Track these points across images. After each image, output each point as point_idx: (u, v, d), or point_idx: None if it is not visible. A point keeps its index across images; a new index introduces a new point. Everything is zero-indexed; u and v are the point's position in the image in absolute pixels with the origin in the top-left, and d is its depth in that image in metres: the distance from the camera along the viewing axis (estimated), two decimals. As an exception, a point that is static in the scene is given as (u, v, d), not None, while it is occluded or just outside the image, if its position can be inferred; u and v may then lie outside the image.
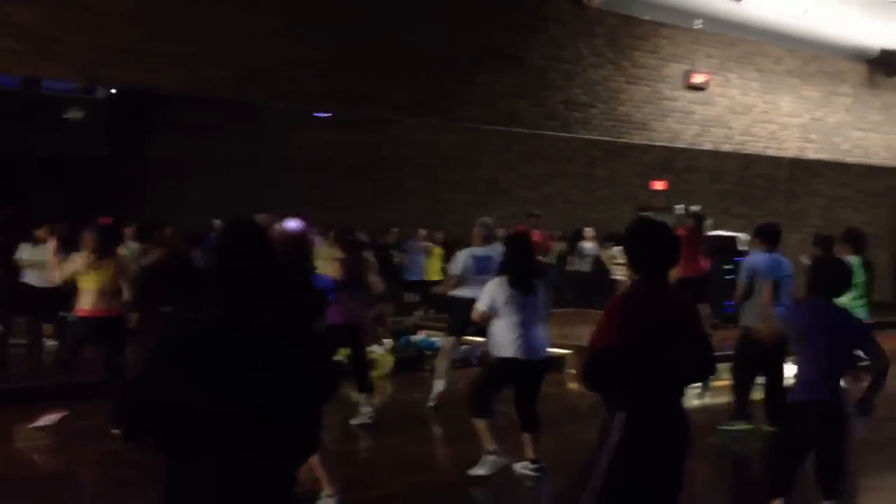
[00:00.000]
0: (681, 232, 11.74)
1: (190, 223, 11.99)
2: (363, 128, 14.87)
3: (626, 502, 3.66)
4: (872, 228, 19.11)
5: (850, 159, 14.93)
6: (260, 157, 14.61)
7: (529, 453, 6.12)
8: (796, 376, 4.76)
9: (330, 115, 14.08)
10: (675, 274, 11.24)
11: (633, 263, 3.80)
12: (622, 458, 3.65)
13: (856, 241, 8.69)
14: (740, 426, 7.58)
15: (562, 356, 10.35)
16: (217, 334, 2.42)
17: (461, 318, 7.50)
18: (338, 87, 9.74)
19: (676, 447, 3.71)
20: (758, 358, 7.33)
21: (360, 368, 7.59)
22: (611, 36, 11.71)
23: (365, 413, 7.53)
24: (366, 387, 7.61)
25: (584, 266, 16.61)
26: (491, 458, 6.11)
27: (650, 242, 3.74)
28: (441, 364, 8.65)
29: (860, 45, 14.26)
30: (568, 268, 16.35)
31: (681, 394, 3.77)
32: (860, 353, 10.70)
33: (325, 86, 9.67)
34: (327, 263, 7.58)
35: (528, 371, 6.09)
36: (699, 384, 9.72)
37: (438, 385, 8.49)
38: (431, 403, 8.43)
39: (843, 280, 4.85)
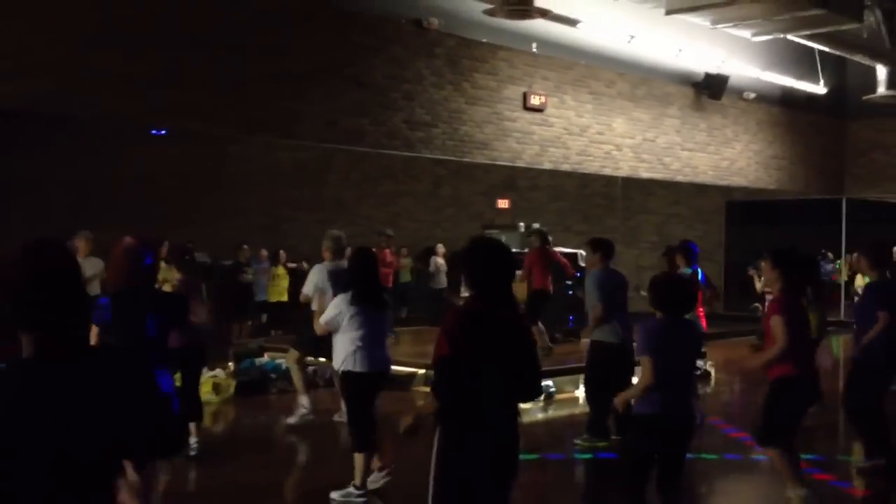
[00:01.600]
0: (532, 251, 12.13)
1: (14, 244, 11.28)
2: (202, 145, 14.50)
3: None
4: (703, 244, 20.14)
5: (680, 178, 15.66)
6: (92, 175, 13.98)
7: (374, 465, 6.13)
8: (647, 389, 4.91)
9: (165, 131, 13.62)
10: (523, 289, 11.60)
11: (469, 281, 3.85)
12: (444, 472, 3.67)
13: (688, 253, 9.12)
14: (596, 441, 7.73)
15: (411, 373, 10.38)
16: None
17: (312, 334, 7.33)
18: (172, 102, 9.42)
19: (501, 465, 3.74)
20: (608, 372, 7.51)
21: (191, 394, 7.35)
22: (450, 57, 11.88)
23: (191, 444, 7.25)
24: (195, 415, 7.35)
25: (438, 283, 16.78)
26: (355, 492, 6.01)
27: (486, 261, 3.80)
28: (296, 379, 8.62)
29: (686, 69, 15.04)
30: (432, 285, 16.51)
31: (510, 412, 3.81)
32: (699, 363, 11.19)
33: (159, 101, 9.32)
34: (165, 285, 7.32)
35: (366, 383, 6.07)
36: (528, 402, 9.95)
37: (303, 400, 8.49)
38: (293, 421, 8.48)
39: (689, 297, 5.06)
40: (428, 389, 3.92)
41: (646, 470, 4.84)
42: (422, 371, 10.17)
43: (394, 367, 9.83)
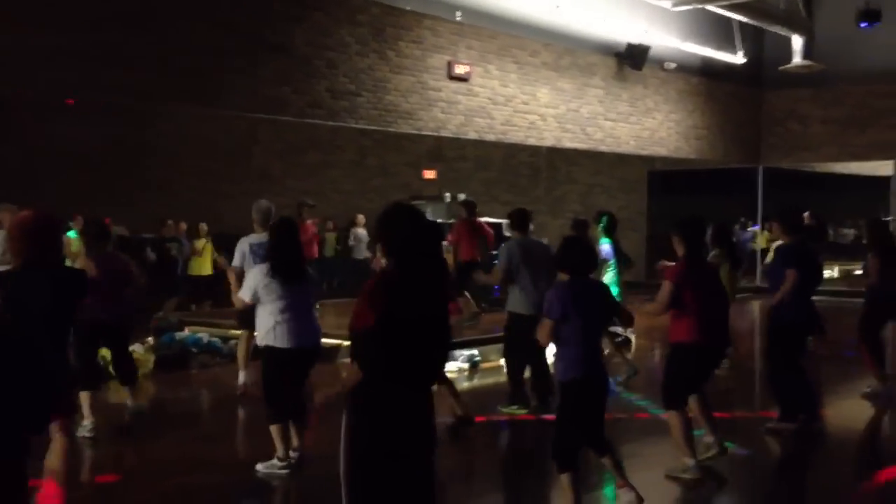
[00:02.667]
0: (459, 222, 12.17)
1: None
2: (124, 118, 14.12)
3: (366, 488, 3.66)
4: (627, 213, 20.52)
5: (603, 148, 15.85)
6: (11, 149, 13.53)
7: (294, 443, 6.07)
8: (561, 355, 4.97)
9: (84, 104, 13.21)
10: (450, 259, 11.64)
11: (386, 248, 3.80)
12: (356, 443, 3.64)
13: (608, 222, 9.23)
14: (517, 409, 7.81)
15: (336, 346, 10.32)
16: None
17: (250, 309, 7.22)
18: (92, 75, 9.13)
19: (420, 433, 3.74)
20: (524, 341, 7.54)
21: (124, 365, 7.30)
22: (374, 25, 11.76)
23: (133, 407, 7.26)
24: (130, 381, 7.31)
25: (360, 254, 16.73)
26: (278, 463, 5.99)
27: (402, 227, 3.76)
28: (241, 354, 8.55)
29: (609, 39, 15.18)
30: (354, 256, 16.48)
31: (426, 382, 3.82)
32: (619, 329, 11.40)
33: (80, 75, 9.05)
34: (82, 259, 7.13)
35: (293, 359, 5.98)
36: (462, 365, 10.03)
37: (241, 376, 8.45)
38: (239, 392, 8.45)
39: (589, 258, 5.12)
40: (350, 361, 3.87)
41: (576, 434, 4.94)
42: (346, 343, 10.13)
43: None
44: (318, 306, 10.61)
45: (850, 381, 9.40)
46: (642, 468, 6.41)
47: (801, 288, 7.02)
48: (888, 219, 15.95)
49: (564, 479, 4.90)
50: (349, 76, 11.55)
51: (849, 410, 8.54)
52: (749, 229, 20.65)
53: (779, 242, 8.01)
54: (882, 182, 19.25)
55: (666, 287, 5.80)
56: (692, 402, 6.04)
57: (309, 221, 13.84)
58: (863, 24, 14.50)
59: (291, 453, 6.02)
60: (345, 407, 3.71)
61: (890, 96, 17.79)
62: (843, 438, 7.58)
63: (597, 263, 5.23)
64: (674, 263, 6.11)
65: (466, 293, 11.77)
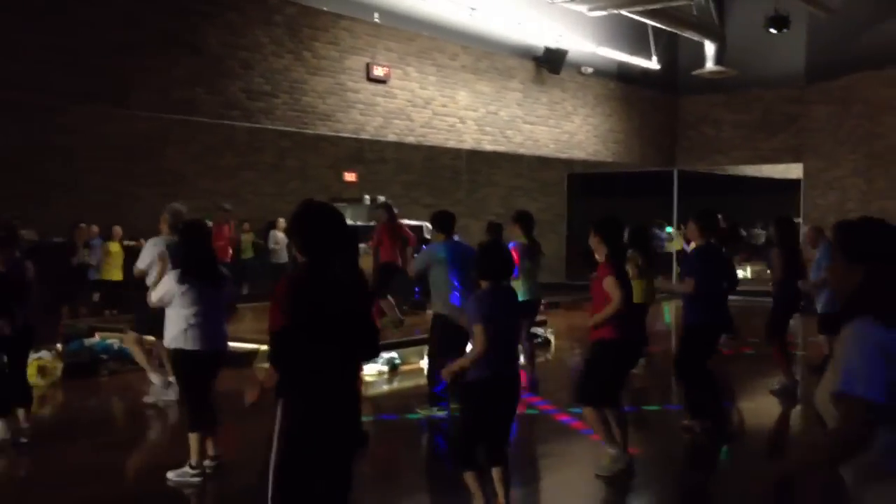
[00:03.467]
0: (380, 224, 12.06)
1: None
2: (28, 117, 13.63)
3: (293, 490, 3.61)
4: (547, 215, 20.73)
5: (522, 151, 15.95)
6: None
7: (210, 451, 5.96)
8: (480, 356, 4.93)
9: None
10: (370, 262, 11.53)
11: (300, 247, 3.73)
12: (286, 446, 3.59)
13: (525, 221, 9.26)
14: (436, 411, 7.78)
15: (253, 350, 10.15)
16: None
17: (149, 313, 7.03)
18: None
19: (343, 434, 3.68)
20: (445, 343, 7.51)
21: (18, 379, 6.96)
22: (290, 25, 11.60)
23: (22, 429, 6.92)
24: (25, 398, 7.00)
25: (279, 258, 16.50)
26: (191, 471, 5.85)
27: (315, 225, 3.69)
28: (140, 360, 8.46)
29: (527, 43, 15.30)
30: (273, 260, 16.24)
31: (350, 378, 3.76)
32: (538, 330, 11.44)
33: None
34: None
35: (203, 362, 5.88)
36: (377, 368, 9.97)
37: (154, 378, 8.33)
38: (149, 399, 8.32)
39: (507, 264, 5.12)
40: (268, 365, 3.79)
41: (478, 433, 4.91)
42: (264, 347, 9.97)
43: (236, 345, 9.69)
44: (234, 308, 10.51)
45: (760, 377, 9.64)
46: (559, 467, 6.47)
47: (712, 289, 7.15)
48: (798, 220, 16.43)
49: (468, 478, 4.86)
50: (265, 77, 11.37)
51: (758, 406, 8.76)
52: (664, 231, 21.03)
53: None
54: (793, 185, 19.80)
55: (612, 282, 5.83)
56: (609, 417, 6.08)
57: (226, 225, 13.62)
58: (771, 30, 14.90)
59: (206, 462, 5.92)
60: (274, 408, 3.64)
61: (798, 101, 18.38)
62: (752, 434, 7.76)
63: (513, 270, 5.23)
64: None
65: (389, 297, 11.70)
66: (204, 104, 10.76)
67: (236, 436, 6.46)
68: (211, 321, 5.90)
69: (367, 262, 11.38)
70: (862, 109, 16.95)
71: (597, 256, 6.05)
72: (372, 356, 3.94)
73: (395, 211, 12.53)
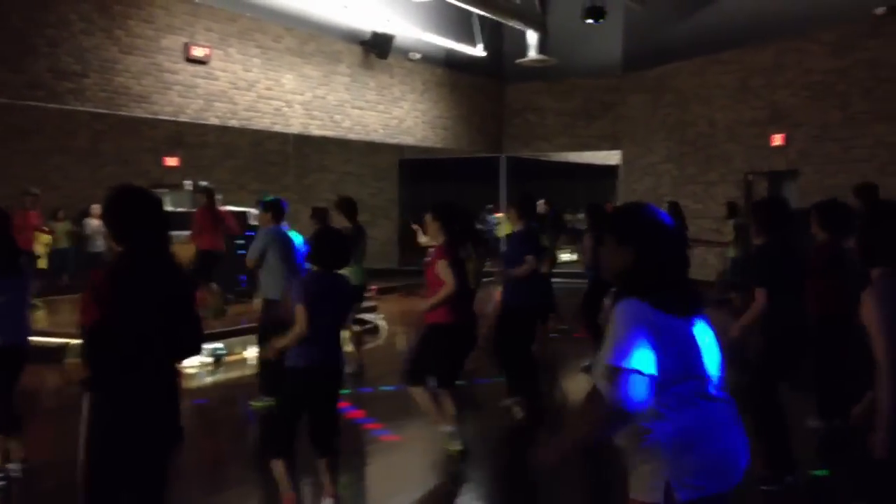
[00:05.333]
0: (199, 209, 11.61)
1: None
2: None
3: (102, 490, 3.41)
4: (379, 201, 20.73)
5: (351, 136, 15.85)
6: None
7: (18, 453, 5.57)
8: (300, 337, 4.81)
9: None
10: (190, 249, 11.11)
11: (115, 236, 3.48)
12: (96, 444, 3.39)
13: (348, 208, 9.15)
14: (270, 401, 7.57)
15: (62, 345, 9.61)
16: None
17: None
18: None
19: (159, 431, 3.50)
20: (276, 330, 7.32)
21: None
22: (100, 2, 11.00)
23: None
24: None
25: (95, 247, 15.69)
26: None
27: (131, 212, 3.47)
28: None
29: (354, 27, 15.19)
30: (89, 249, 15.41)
31: (168, 374, 3.57)
32: (367, 316, 11.37)
33: None
34: None
35: (6, 358, 5.47)
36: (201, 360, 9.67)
37: None
38: None
39: (343, 251, 5.01)
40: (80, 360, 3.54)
41: (295, 422, 4.80)
42: (75, 342, 9.45)
43: (42, 339, 9.13)
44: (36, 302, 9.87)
45: (574, 357, 9.98)
46: (386, 451, 6.46)
47: (532, 271, 7.31)
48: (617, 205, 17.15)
49: (278, 466, 4.76)
50: (73, 56, 10.74)
51: (571, 384, 9.08)
52: (493, 216, 21.48)
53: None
54: (613, 171, 20.66)
55: (444, 267, 5.84)
56: (443, 399, 6.13)
57: (32, 211, 12.77)
58: (588, 21, 15.42)
59: (11, 465, 5.52)
60: (83, 404, 3.43)
61: (615, 90, 19.17)
62: (567, 410, 8.02)
63: (349, 258, 5.12)
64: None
65: (212, 284, 11.34)
66: (7, 84, 10.06)
67: (48, 435, 6.07)
68: (11, 314, 5.49)
69: (187, 250, 10.99)
70: (673, 98, 17.88)
71: (432, 241, 6.06)
72: (194, 352, 3.75)
73: (218, 197, 12.15)
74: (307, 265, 5.17)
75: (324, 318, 4.79)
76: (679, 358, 2.51)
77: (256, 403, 7.66)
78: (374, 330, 12.25)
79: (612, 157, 20.43)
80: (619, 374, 2.44)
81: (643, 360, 2.44)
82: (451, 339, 6.06)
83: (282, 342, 4.88)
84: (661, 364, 2.47)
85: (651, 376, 2.44)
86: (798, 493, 5.33)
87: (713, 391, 2.59)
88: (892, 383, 3.41)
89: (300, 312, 4.73)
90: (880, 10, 13.60)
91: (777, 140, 15.68)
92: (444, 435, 6.10)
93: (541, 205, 13.51)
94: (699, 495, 2.48)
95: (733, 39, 16.28)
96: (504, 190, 20.49)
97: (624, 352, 2.45)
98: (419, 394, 6.04)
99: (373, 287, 13.46)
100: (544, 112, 19.89)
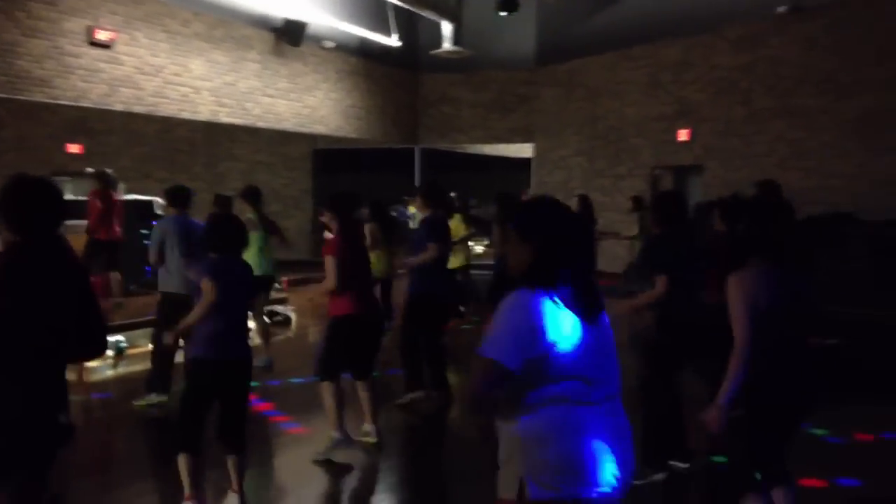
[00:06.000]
0: (94, 195, 11.16)
1: None
2: None
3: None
4: (292, 191, 20.47)
5: (262, 124, 15.60)
6: None
7: None
8: (197, 332, 4.69)
9: None
10: (83, 238, 10.71)
11: (11, 226, 3.31)
12: None
13: (253, 196, 9.00)
14: (158, 398, 7.39)
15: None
16: None
17: None
18: None
19: (49, 430, 3.34)
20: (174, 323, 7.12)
21: None
22: (-2, -19, 10.57)
23: None
24: None
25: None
26: None
27: (28, 202, 3.31)
28: None
29: (265, 13, 14.93)
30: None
31: (60, 372, 3.42)
32: (278, 308, 11.18)
33: None
34: None
35: None
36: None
37: None
38: None
39: (236, 236, 4.88)
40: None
41: (202, 414, 4.68)
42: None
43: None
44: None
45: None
46: (293, 446, 6.38)
47: (439, 261, 7.32)
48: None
49: (181, 461, 4.65)
50: (-32, 36, 10.28)
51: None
52: (407, 208, 21.45)
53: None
54: (526, 163, 20.82)
55: (331, 262, 5.78)
56: (360, 391, 6.09)
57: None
58: (502, 13, 15.49)
59: None
60: None
61: (529, 83, 19.33)
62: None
63: (246, 241, 5.00)
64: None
65: (117, 274, 11.00)
66: None
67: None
68: None
69: (80, 240, 10.59)
70: (585, 93, 18.13)
71: (329, 231, 5.99)
72: (97, 354, 3.58)
73: (120, 184, 11.77)
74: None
75: (229, 303, 4.68)
76: (563, 356, 2.47)
77: (140, 403, 7.40)
78: (286, 322, 12.10)
79: (525, 150, 20.60)
80: (484, 362, 2.43)
81: (512, 352, 2.41)
82: (353, 331, 5.98)
83: (188, 319, 4.72)
84: (540, 361, 2.45)
85: (515, 370, 2.42)
86: (696, 481, 5.46)
87: (595, 395, 2.52)
88: (739, 364, 3.58)
89: (206, 288, 4.62)
90: (782, 9, 14.04)
91: (683, 135, 16.06)
92: (331, 437, 6.02)
93: (452, 198, 13.52)
94: (553, 496, 2.43)
95: (643, 35, 16.59)
96: (419, 181, 20.46)
97: (496, 342, 2.43)
98: (326, 391, 5.96)
99: (284, 279, 13.30)
100: (459, 104, 19.93)
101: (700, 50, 15.75)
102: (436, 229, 7.30)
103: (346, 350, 6.00)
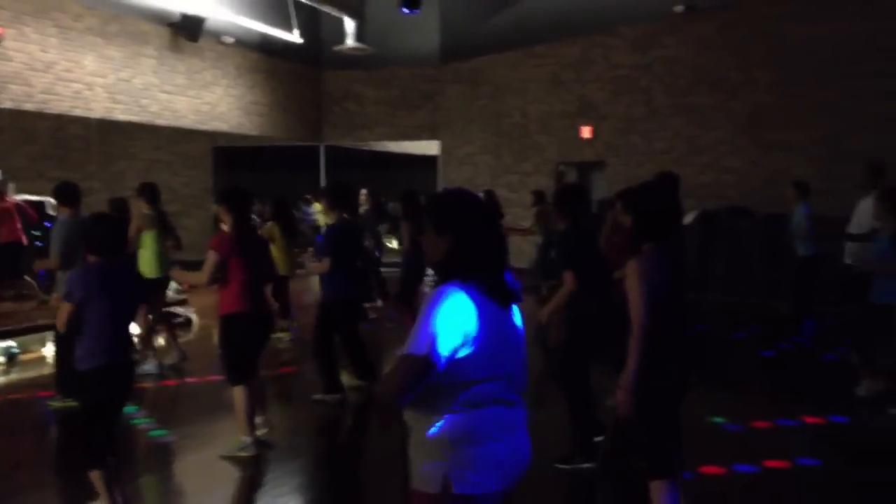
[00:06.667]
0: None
1: None
2: None
3: None
4: (192, 190, 19.97)
5: (160, 122, 15.16)
6: None
7: None
8: (85, 342, 4.48)
9: None
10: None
11: None
12: None
13: (150, 193, 8.72)
14: (66, 402, 7.10)
15: None
16: None
17: None
18: None
19: None
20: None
21: None
22: None
23: None
24: None
25: None
26: None
27: None
28: None
29: (161, 8, 14.51)
30: None
31: None
32: (178, 310, 10.90)
33: None
34: None
35: None
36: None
37: None
38: None
39: (116, 238, 4.68)
40: None
41: (106, 423, 4.52)
42: None
43: None
44: None
45: (399, 343, 9.99)
46: (196, 447, 6.21)
47: (347, 264, 7.20)
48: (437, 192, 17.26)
49: (96, 477, 4.48)
50: None
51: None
52: (310, 206, 21.22)
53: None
54: (433, 160, 20.82)
55: (211, 257, 5.64)
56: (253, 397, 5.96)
57: None
58: (404, 10, 15.43)
59: None
60: None
61: (434, 80, 19.35)
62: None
63: (122, 246, 4.76)
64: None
65: (27, 278, 10.56)
66: None
67: None
68: None
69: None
70: (489, 90, 18.24)
71: (224, 227, 5.84)
72: None
73: (10, 184, 11.30)
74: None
75: (104, 312, 4.49)
76: (489, 354, 2.49)
77: (55, 404, 7.20)
78: (187, 323, 11.80)
79: (432, 147, 20.61)
80: (409, 359, 2.40)
81: (436, 349, 2.39)
82: (244, 329, 5.84)
83: (61, 317, 4.54)
84: (464, 358, 2.45)
85: (439, 367, 2.41)
86: (601, 476, 5.54)
87: (512, 392, 2.59)
88: (640, 347, 3.66)
89: (63, 310, 4.47)
90: (679, 9, 14.39)
91: (586, 132, 16.33)
92: (240, 440, 5.90)
93: (363, 196, 13.46)
94: (478, 491, 2.48)
95: (546, 34, 16.79)
96: (323, 179, 20.25)
97: (420, 339, 2.40)
98: (238, 394, 5.82)
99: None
100: (364, 101, 19.80)
101: (600, 49, 16.02)
102: (336, 238, 7.16)
103: (244, 347, 5.87)
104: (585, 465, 5.50)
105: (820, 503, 5.09)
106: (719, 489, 5.21)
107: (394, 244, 20.93)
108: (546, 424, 6.57)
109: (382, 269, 12.97)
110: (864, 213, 8.17)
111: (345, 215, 7.33)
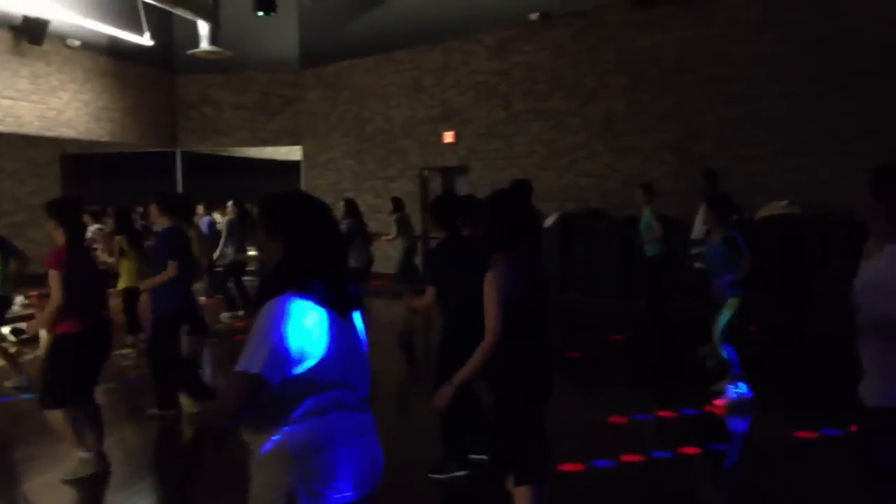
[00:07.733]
0: None
1: None
2: None
3: None
4: (38, 200, 18.89)
5: (2, 129, 14.34)
6: None
7: None
8: None
9: None
10: None
11: None
12: None
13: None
14: None
15: None
16: None
17: None
18: None
19: None
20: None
21: None
22: None
23: None
24: None
25: None
26: None
27: None
28: None
29: (2, 10, 13.72)
30: None
31: None
32: (22, 325, 10.21)
33: None
34: None
35: None
36: None
37: None
38: None
39: None
40: None
41: None
42: None
43: None
44: None
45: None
46: (42, 469, 5.87)
47: (182, 274, 6.84)
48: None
49: None
50: None
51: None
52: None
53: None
54: (296, 166, 20.49)
55: (55, 277, 5.26)
56: (80, 416, 5.59)
57: None
58: (259, 14, 15.14)
59: None
60: None
61: (294, 85, 19.08)
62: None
63: None
64: None
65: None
66: None
67: None
68: None
69: None
70: (351, 95, 18.13)
71: (56, 242, 5.46)
72: None
73: None
74: None
75: None
76: (329, 363, 2.40)
77: None
78: (34, 339, 11.14)
79: (294, 153, 20.31)
80: (242, 377, 2.29)
81: (271, 366, 2.29)
82: (79, 350, 5.43)
83: None
84: (302, 371, 2.36)
85: (274, 384, 2.31)
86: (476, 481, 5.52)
87: (356, 399, 2.52)
88: (485, 354, 3.68)
89: None
90: (534, 16, 14.70)
91: (448, 137, 16.45)
92: (79, 458, 5.59)
93: (229, 206, 13.13)
94: (324, 503, 2.39)
95: (405, 39, 16.83)
96: (180, 186, 19.62)
97: (253, 356, 2.30)
98: (56, 418, 5.46)
99: (33, 293, 12.29)
100: (221, 106, 19.31)
101: (459, 55, 16.18)
102: (173, 244, 6.76)
103: (73, 371, 5.49)
104: (460, 473, 5.38)
105: (674, 494, 5.26)
106: (581, 486, 5.30)
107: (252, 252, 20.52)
108: (412, 431, 6.55)
109: (245, 278, 12.69)
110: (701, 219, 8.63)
111: (177, 223, 6.93)
